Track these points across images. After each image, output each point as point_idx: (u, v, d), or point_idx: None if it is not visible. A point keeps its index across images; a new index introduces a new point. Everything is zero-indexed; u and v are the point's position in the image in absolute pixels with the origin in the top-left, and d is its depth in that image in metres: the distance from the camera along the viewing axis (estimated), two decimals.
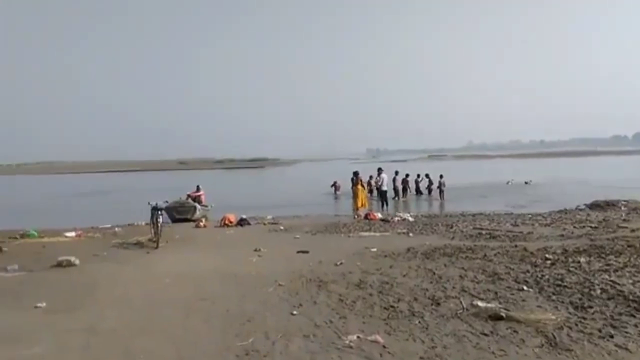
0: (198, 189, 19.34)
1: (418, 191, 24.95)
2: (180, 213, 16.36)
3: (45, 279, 7.25)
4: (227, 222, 14.10)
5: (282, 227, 13.20)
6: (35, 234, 12.26)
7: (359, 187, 17.30)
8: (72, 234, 12.37)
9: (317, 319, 4.93)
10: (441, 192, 22.74)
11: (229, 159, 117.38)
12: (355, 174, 18.00)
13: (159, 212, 10.93)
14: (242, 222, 14.14)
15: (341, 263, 7.65)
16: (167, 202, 14.45)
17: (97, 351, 4.29)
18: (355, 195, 17.37)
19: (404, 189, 24.29)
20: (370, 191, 21.95)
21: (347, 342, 4.27)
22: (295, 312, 5.19)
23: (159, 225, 10.66)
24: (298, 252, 8.95)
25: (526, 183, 29.25)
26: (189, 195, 18.67)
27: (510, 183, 29.73)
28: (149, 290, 6.48)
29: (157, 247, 10.12)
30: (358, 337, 4.36)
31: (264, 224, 14.37)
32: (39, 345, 4.42)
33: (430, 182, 24.42)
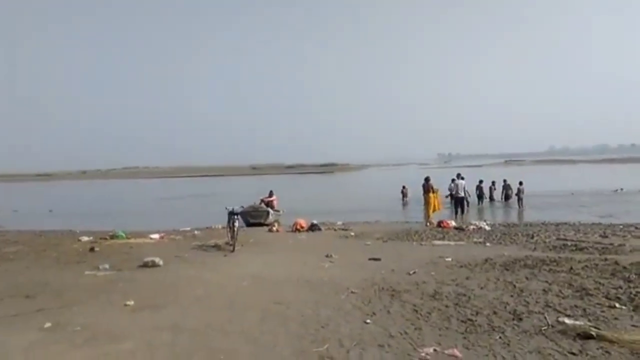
0: (271, 194, 19.86)
1: (492, 198, 23.83)
2: (254, 217, 16.92)
3: (133, 278, 7.77)
4: (298, 227, 14.36)
5: (352, 233, 13.21)
6: (124, 235, 13.20)
7: (431, 194, 16.91)
8: (156, 235, 13.19)
9: (391, 329, 4.88)
10: (520, 199, 21.60)
11: (299, 164, 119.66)
12: (427, 179, 17.63)
13: (235, 217, 11.36)
14: (313, 228, 14.32)
15: (414, 272, 7.51)
16: (242, 207, 15.00)
17: (182, 348, 4.53)
18: (426, 202, 17.02)
19: (479, 196, 23.41)
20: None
21: (423, 354, 4.18)
22: (368, 321, 5.16)
23: (235, 229, 11.07)
24: (370, 259, 8.91)
25: (615, 191, 26.97)
26: (262, 200, 19.24)
27: (619, 191, 27.35)
28: (228, 291, 6.74)
29: (233, 250, 10.50)
30: (435, 350, 4.26)
31: (335, 230, 14.47)
32: (129, 341, 4.74)
33: (508, 188, 23.27)
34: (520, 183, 21.73)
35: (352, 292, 6.39)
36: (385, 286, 6.65)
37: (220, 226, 14.83)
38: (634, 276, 6.60)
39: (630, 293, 5.79)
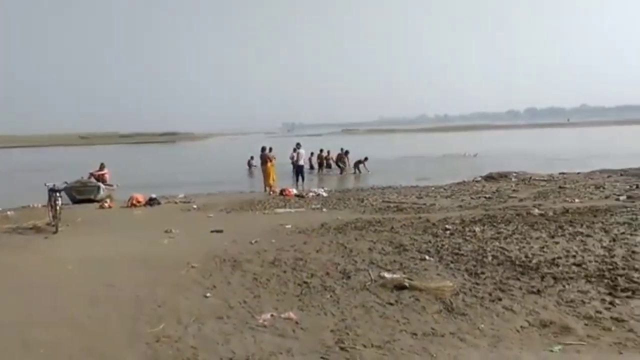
0: (102, 167, 18.12)
1: (330, 166, 25.20)
2: (82, 193, 15.29)
3: None
4: (134, 202, 13.44)
5: (195, 206, 12.88)
6: None
7: (269, 164, 17.16)
8: None
9: (231, 300, 4.95)
10: (358, 166, 23.29)
11: (136, 133, 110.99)
12: (263, 149, 17.78)
13: (57, 194, 10.14)
14: (151, 202, 13.55)
15: (256, 241, 7.67)
16: (66, 183, 13.48)
17: None
18: (264, 172, 17.23)
19: (320, 165, 24.71)
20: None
21: (260, 321, 4.35)
22: (208, 295, 5.16)
23: (58, 207, 9.91)
24: (212, 231, 8.81)
25: (474, 155, 30.85)
26: (91, 174, 17.47)
27: (466, 155, 31.11)
28: (50, 278, 6.08)
29: (56, 232, 9.42)
30: (272, 315, 4.46)
31: (176, 203, 13.91)
32: None
33: (345, 156, 24.79)
34: (366, 159, 23.47)
35: (192, 266, 6.28)
36: (226, 258, 6.67)
37: (40, 205, 13.09)
38: (440, 231, 7.74)
39: (437, 246, 6.78)
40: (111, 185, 17.32)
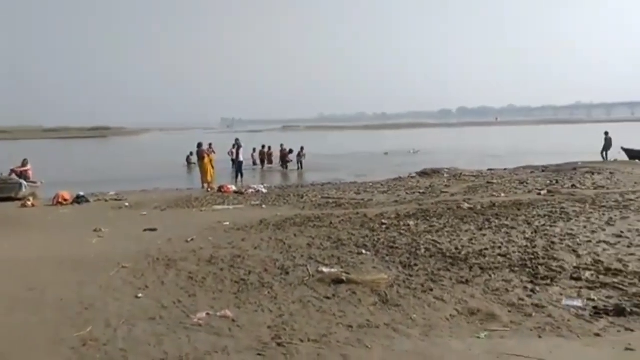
0: (25, 163, 16.89)
1: (271, 162, 25.03)
2: (2, 191, 14.17)
3: None
4: (60, 200, 12.65)
5: (127, 204, 12.33)
6: None
7: (206, 160, 16.73)
8: None
9: (164, 300, 4.79)
10: (299, 162, 23.28)
11: (62, 127, 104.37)
12: (199, 145, 17.32)
13: None
14: (79, 200, 12.81)
15: (192, 239, 7.47)
16: None
17: None
18: (201, 169, 16.79)
19: (262, 160, 24.53)
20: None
21: (195, 320, 4.25)
22: (140, 295, 4.96)
23: None
24: (145, 230, 8.48)
25: (415, 152, 32.25)
26: (13, 171, 16.23)
27: (412, 152, 32.24)
28: None
29: None
30: (207, 314, 4.36)
31: (106, 201, 13.25)
32: None
33: (288, 152, 24.56)
34: (302, 148, 23.38)
35: (123, 267, 6.00)
36: (160, 257, 6.44)
37: None
38: (377, 226, 7.93)
39: (374, 240, 6.94)
40: (35, 183, 16.16)
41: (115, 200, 13.36)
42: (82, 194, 13.18)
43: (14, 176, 15.62)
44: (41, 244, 7.71)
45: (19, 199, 13.79)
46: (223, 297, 4.87)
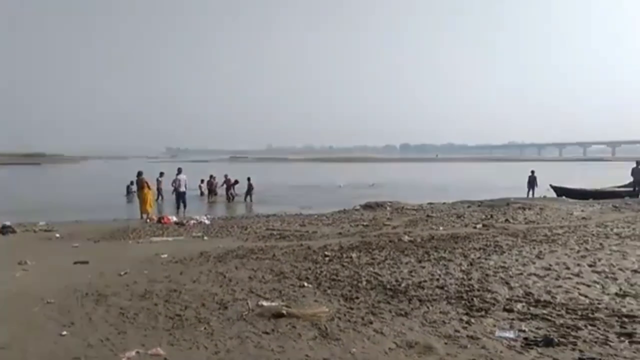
0: None
1: (216, 193, 24.63)
2: None
3: None
4: None
5: (57, 235, 11.61)
6: None
7: (146, 189, 16.20)
8: None
9: (91, 338, 4.48)
10: (248, 194, 22.98)
11: None
12: (139, 174, 16.77)
13: None
14: (4, 230, 11.93)
15: (126, 273, 7.10)
16: None
17: None
18: (140, 198, 16.23)
19: (210, 191, 24.15)
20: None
21: (124, 359, 3.99)
22: (64, 333, 4.61)
23: None
24: (75, 262, 7.98)
25: (371, 185, 32.88)
26: None
27: (341, 186, 32.53)
28: None
29: None
30: (137, 352, 4.12)
31: (35, 232, 12.42)
32: None
33: (233, 184, 24.21)
34: (249, 179, 23.14)
35: (47, 302, 5.59)
36: (90, 291, 6.07)
37: None
38: (320, 258, 7.92)
39: (316, 273, 6.91)
40: None
41: (45, 231, 12.55)
42: (8, 223, 12.32)
43: None
44: None
45: None
46: (156, 334, 4.62)
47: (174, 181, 18.40)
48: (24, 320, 5.02)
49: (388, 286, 6.14)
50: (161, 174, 22.38)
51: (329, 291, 6.00)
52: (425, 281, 6.34)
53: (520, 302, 5.48)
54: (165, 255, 8.44)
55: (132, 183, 24.45)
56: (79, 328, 4.78)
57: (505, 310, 5.23)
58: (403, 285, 6.18)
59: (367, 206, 17.82)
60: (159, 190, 21.63)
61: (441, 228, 11.68)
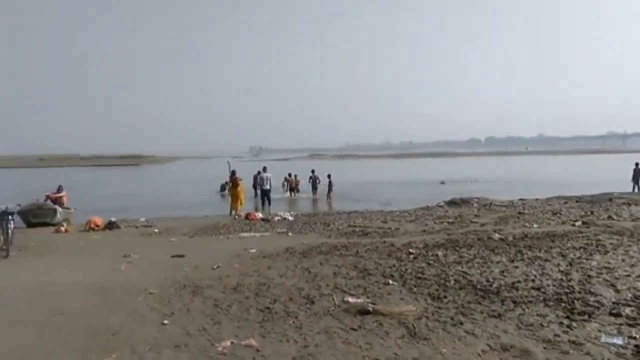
0: (60, 190, 17.52)
1: (297, 190, 25.19)
2: (37, 217, 14.65)
3: None
4: (92, 225, 12.97)
5: (156, 230, 12.53)
6: None
7: (239, 187, 17.06)
8: None
9: (189, 328, 4.77)
10: (329, 190, 23.26)
11: (96, 156, 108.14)
12: (233, 173, 17.73)
13: (10, 217, 9.67)
14: (110, 226, 13.10)
15: (218, 266, 7.49)
16: (19, 205, 12.90)
17: None
18: (233, 196, 17.09)
19: (291, 189, 24.81)
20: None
21: (220, 348, 4.20)
22: (166, 322, 4.95)
23: (10, 231, 9.44)
24: (173, 256, 8.56)
25: (441, 183, 31.18)
26: (48, 197, 16.83)
27: (444, 182, 31.22)
28: None
29: (7, 256, 8.96)
30: (232, 342, 4.31)
31: (136, 227, 13.50)
32: None
33: (316, 180, 24.55)
34: (329, 176, 23.41)
35: (150, 293, 6.04)
36: (187, 283, 6.47)
37: None
38: (404, 255, 7.78)
39: (401, 270, 6.79)
40: (69, 209, 16.73)
41: (145, 226, 13.59)
42: (113, 220, 13.48)
43: (48, 202, 16.17)
44: (72, 268, 7.85)
45: (53, 225, 14.21)
46: (248, 325, 4.82)
47: (259, 179, 19.11)
48: (130, 309, 5.46)
49: (478, 286, 5.88)
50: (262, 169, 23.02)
51: (415, 289, 5.87)
52: (519, 282, 5.98)
53: (629, 306, 4.99)
54: (254, 250, 8.78)
55: (226, 183, 25.81)
56: (178, 318, 5.11)
57: (611, 314, 4.79)
58: (495, 285, 5.88)
59: (452, 202, 17.26)
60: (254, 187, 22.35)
61: (535, 225, 10.97)
